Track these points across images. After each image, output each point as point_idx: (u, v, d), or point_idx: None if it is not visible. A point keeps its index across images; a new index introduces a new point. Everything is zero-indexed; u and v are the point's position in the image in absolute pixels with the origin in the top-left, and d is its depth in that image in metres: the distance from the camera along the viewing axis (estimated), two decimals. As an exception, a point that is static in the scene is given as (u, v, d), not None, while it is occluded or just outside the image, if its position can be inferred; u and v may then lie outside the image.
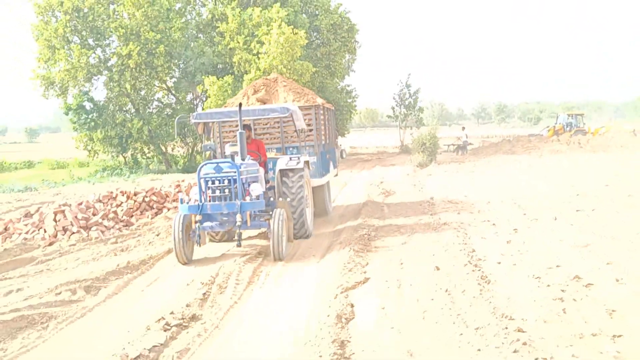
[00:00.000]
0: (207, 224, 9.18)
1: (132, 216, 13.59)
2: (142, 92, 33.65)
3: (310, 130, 12.73)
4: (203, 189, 9.18)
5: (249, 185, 9.45)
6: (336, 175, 15.77)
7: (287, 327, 5.87)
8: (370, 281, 7.28)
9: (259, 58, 29.85)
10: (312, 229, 11.32)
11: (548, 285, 6.37)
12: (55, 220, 12.00)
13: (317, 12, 36.75)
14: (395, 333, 5.42)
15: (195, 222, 9.04)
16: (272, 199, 10.34)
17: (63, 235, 11.60)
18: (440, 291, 6.49)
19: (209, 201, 9.10)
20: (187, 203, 9.22)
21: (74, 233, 11.69)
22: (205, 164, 9.30)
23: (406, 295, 6.57)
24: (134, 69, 30.73)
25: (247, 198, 9.08)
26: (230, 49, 31.59)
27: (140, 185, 21.10)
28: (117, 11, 31.93)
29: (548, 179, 18.09)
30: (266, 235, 10.89)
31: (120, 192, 14.53)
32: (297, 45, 29.16)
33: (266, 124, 13.15)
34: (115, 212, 13.30)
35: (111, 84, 31.78)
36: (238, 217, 8.83)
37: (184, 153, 36.14)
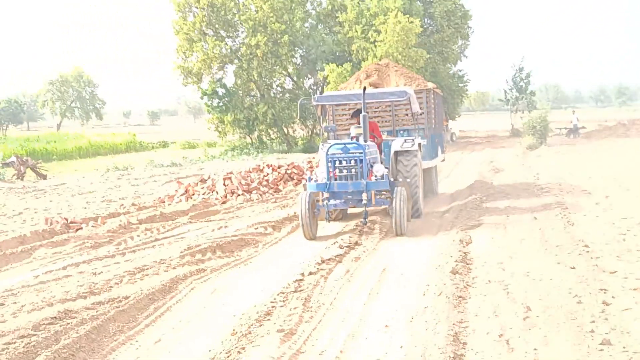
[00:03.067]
0: (332, 201, 9.70)
1: (278, 185, 16.54)
2: (266, 79, 36.67)
3: (422, 113, 12.97)
4: (330, 169, 9.71)
5: (372, 165, 9.88)
6: (443, 160, 15.70)
7: (424, 247, 8.52)
8: (483, 225, 9.77)
9: (375, 46, 32.06)
10: (423, 208, 11.50)
11: (618, 227, 8.49)
12: (224, 185, 15.17)
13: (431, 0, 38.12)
14: (500, 249, 7.91)
15: (322, 200, 9.72)
16: (392, 179, 10.61)
17: (231, 196, 14.71)
18: (534, 229, 8.96)
19: (336, 180, 9.70)
20: (315, 181, 9.83)
21: (239, 195, 14.77)
22: (333, 145, 9.87)
23: (509, 232, 9.05)
24: (261, 58, 33.89)
25: (372, 178, 9.63)
26: (349, 37, 34.02)
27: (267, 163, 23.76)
28: (246, 5, 35.27)
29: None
30: (386, 212, 11.13)
31: (267, 165, 17.61)
32: (412, 33, 31.06)
33: (378, 107, 13.31)
34: (267, 181, 16.31)
35: (240, 71, 35.29)
36: (364, 196, 9.35)
37: (304, 135, 38.90)
